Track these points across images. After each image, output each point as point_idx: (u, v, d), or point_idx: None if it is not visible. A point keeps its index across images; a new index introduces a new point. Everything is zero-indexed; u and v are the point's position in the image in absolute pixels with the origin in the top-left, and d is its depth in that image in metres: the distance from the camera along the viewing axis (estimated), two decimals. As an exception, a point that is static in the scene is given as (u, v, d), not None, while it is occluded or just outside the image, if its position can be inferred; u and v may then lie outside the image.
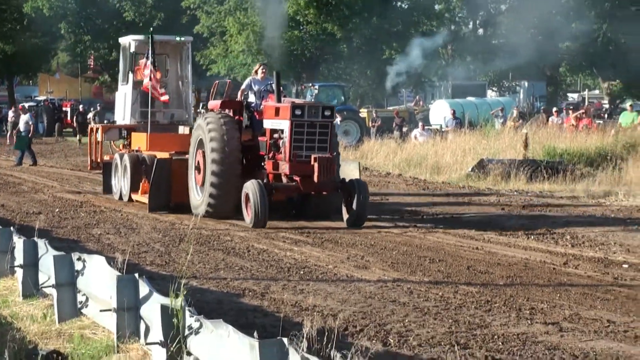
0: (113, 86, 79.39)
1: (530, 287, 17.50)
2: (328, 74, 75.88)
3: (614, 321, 14.66)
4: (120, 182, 29.14)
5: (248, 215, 22.39)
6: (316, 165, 21.61)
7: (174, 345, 10.87)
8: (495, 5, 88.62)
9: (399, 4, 75.34)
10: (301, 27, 76.30)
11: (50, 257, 14.76)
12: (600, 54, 77.72)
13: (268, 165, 23.48)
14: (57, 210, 28.72)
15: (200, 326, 10.75)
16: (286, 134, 22.59)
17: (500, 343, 13.28)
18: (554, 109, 63.33)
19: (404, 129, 61.05)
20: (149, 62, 30.02)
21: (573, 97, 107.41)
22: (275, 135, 23.59)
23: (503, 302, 16.13)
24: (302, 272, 19.24)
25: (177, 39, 34.98)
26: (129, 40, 34.09)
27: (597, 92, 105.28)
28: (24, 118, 49.28)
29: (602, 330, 14.17)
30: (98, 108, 74.57)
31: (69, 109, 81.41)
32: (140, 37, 34.27)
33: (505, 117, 57.62)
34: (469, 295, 16.82)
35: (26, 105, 67.37)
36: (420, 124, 58.69)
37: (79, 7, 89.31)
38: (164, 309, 11.12)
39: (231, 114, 24.77)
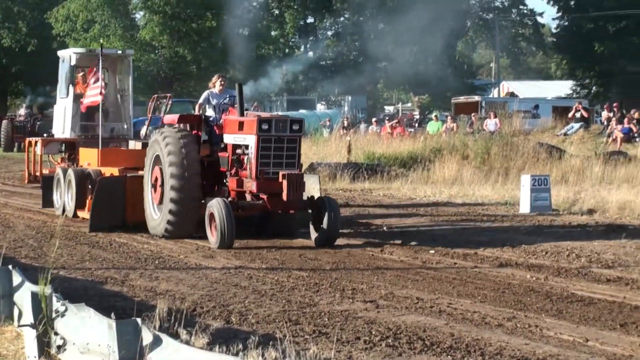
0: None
1: (353, 271, 17.94)
2: (180, 91, 76.05)
3: (422, 298, 15.07)
4: (64, 197, 25.30)
5: (213, 236, 19.40)
6: (285, 182, 18.77)
7: (42, 327, 10.79)
8: (322, 32, 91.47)
9: (240, 30, 76.35)
10: (156, 51, 77.40)
11: None
12: (411, 73, 79.90)
13: (231, 182, 20.32)
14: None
15: (66, 310, 10.68)
16: (252, 150, 19.43)
17: (327, 319, 13.49)
18: (373, 119, 64.67)
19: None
20: (100, 75, 27.19)
21: (389, 109, 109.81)
22: (239, 151, 20.37)
23: (329, 284, 16.48)
24: (157, 262, 19.34)
25: (119, 52, 33.05)
26: (69, 53, 31.58)
27: (409, 104, 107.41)
28: None
29: (412, 307, 14.52)
30: None
31: None
32: (82, 50, 32.85)
33: (332, 127, 58.37)
34: (300, 279, 17.13)
35: None
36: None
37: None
38: (34, 295, 11.06)
39: (188, 128, 21.43)
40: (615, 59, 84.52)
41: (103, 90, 26.74)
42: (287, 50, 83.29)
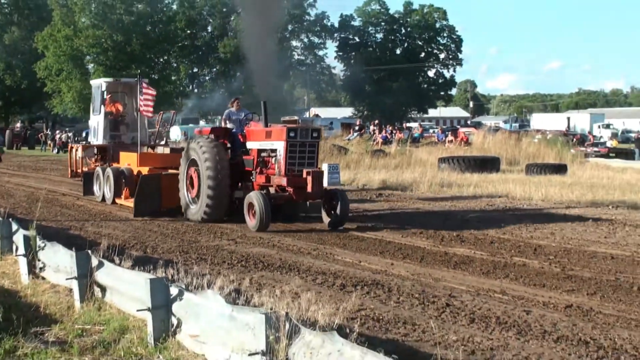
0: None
1: (220, 222, 19.01)
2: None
3: (262, 237, 16.69)
4: (103, 188, 24.32)
5: (251, 221, 17.87)
6: (309, 178, 17.62)
7: (30, 256, 11.95)
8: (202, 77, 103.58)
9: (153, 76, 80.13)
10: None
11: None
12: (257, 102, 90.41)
13: (259, 178, 19.00)
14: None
15: (45, 245, 11.87)
16: (281, 152, 18.21)
17: (205, 250, 14.91)
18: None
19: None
20: (140, 97, 25.29)
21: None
22: (263, 154, 19.20)
23: (207, 229, 17.92)
24: (102, 216, 20.67)
25: (135, 80, 29.33)
26: (100, 82, 30.42)
27: None
28: None
29: (257, 243, 15.96)
30: None
31: None
32: (109, 79, 31.77)
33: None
34: (189, 226, 18.50)
35: None
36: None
37: None
38: (25, 237, 12.15)
39: (213, 137, 19.87)
40: (377, 95, 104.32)
41: (144, 107, 25.24)
42: (181, 88, 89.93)
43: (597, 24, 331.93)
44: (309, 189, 17.68)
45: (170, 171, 21.79)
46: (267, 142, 18.90)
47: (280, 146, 18.28)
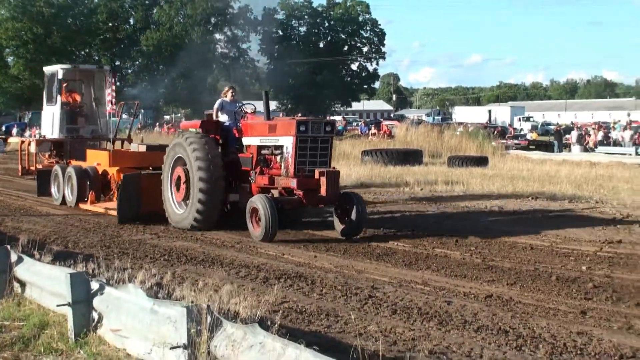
0: None
1: (143, 216, 18.38)
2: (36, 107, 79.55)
3: (184, 232, 16.68)
4: (63, 190, 21.75)
5: (255, 229, 15.41)
6: (324, 179, 15.08)
7: None
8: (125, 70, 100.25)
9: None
10: (21, 81, 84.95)
11: None
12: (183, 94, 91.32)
13: (260, 179, 16.46)
14: None
15: None
16: (289, 150, 15.63)
17: (127, 244, 14.90)
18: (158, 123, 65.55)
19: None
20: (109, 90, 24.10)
21: (168, 117, 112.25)
22: (265, 152, 16.75)
23: (129, 224, 17.78)
24: (22, 212, 20.56)
25: (96, 67, 29.75)
26: (57, 69, 27.68)
27: (179, 115, 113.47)
28: None
29: (179, 236, 16.01)
30: None
31: None
32: (67, 66, 28.83)
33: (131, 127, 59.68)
34: (112, 220, 18.37)
35: None
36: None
37: None
38: None
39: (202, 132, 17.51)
40: (301, 89, 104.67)
41: (112, 99, 23.66)
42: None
43: (518, 18, 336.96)
44: (323, 191, 15.20)
45: (146, 172, 19.39)
46: (271, 137, 16.46)
47: (288, 142, 15.76)
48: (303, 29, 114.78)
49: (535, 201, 22.17)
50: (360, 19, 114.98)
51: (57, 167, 22.61)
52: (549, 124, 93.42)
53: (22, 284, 10.13)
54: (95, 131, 27.09)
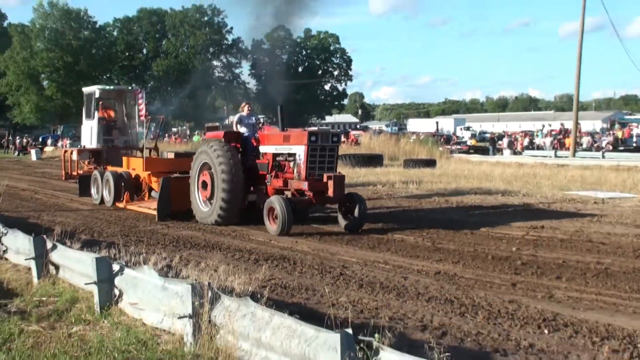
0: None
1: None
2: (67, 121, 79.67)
3: (193, 223, 16.56)
4: (102, 191, 21.02)
5: (272, 225, 14.83)
6: (331, 182, 14.76)
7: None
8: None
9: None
10: (53, 101, 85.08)
11: None
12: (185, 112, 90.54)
13: (275, 182, 15.92)
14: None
15: (7, 232, 11.74)
16: (301, 157, 15.20)
17: (142, 234, 14.76)
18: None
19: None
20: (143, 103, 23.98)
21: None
22: (279, 158, 16.22)
23: (144, 217, 17.57)
24: (56, 207, 20.19)
25: (129, 88, 29.12)
26: (94, 89, 27.36)
27: (183, 127, 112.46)
28: None
29: (187, 227, 15.76)
30: None
31: None
32: (103, 86, 28.80)
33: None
34: (131, 213, 18.27)
35: None
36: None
37: None
38: None
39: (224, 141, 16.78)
40: (283, 105, 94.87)
41: (143, 113, 23.24)
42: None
43: (460, 46, 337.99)
44: (331, 193, 14.85)
45: (175, 175, 18.42)
46: (285, 146, 15.92)
47: (300, 150, 15.34)
48: (285, 56, 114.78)
49: (474, 195, 22.21)
50: (332, 48, 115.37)
51: (96, 172, 21.97)
52: (485, 133, 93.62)
53: (57, 267, 10.05)
54: (127, 141, 26.70)
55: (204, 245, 13.33)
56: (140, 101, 23.07)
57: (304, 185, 15.01)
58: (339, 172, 15.49)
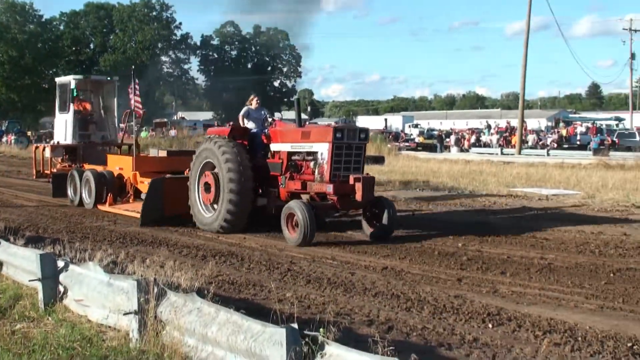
0: None
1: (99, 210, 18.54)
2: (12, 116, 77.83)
3: (135, 219, 16.31)
4: (80, 192, 19.28)
5: (292, 234, 13.02)
6: (359, 185, 12.79)
7: None
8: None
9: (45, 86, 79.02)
10: None
11: None
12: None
13: (290, 184, 14.06)
14: None
15: None
16: (324, 156, 13.34)
17: (89, 230, 14.62)
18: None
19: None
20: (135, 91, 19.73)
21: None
22: (296, 157, 14.23)
23: (91, 213, 17.55)
24: (0, 203, 20.03)
25: (108, 78, 26.65)
26: (69, 79, 25.07)
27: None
28: None
29: (132, 223, 15.55)
30: None
31: None
32: (79, 76, 26.11)
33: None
34: (77, 210, 18.13)
35: None
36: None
37: None
38: None
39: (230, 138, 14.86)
40: (232, 101, 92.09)
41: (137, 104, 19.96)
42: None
43: (409, 44, 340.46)
44: (359, 197, 12.90)
45: (169, 176, 16.62)
46: (304, 143, 14.00)
47: (323, 148, 13.43)
48: (234, 52, 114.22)
49: (422, 192, 22.43)
50: (281, 44, 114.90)
51: (73, 171, 20.17)
52: (433, 130, 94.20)
53: (0, 264, 9.95)
54: (105, 137, 25.12)
55: (150, 242, 13.28)
56: (136, 92, 20.43)
57: (328, 188, 13.20)
58: (367, 174, 13.63)
